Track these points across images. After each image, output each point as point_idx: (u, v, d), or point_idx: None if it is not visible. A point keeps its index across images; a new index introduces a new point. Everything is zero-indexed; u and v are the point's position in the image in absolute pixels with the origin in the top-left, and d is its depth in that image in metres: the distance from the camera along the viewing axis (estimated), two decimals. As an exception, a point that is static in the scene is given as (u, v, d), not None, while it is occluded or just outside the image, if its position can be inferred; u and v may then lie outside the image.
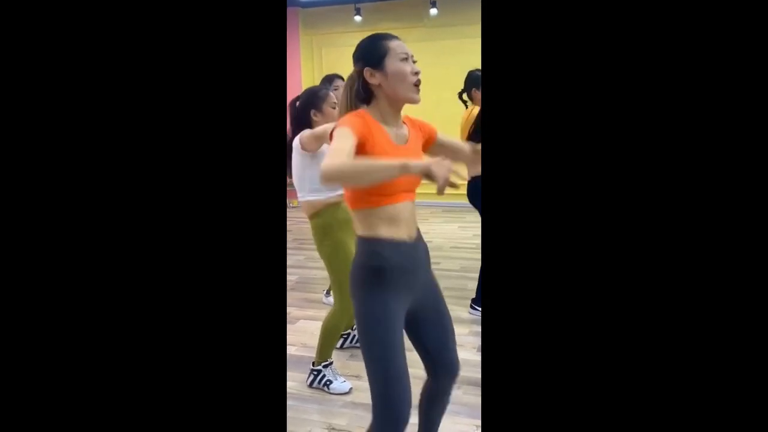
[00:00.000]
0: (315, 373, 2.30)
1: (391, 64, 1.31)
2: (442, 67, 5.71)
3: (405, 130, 1.38)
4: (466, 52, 5.99)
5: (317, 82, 3.07)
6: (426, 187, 1.41)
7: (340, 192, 2.13)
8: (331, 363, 2.29)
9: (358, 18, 6.33)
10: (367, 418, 1.98)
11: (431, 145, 1.46)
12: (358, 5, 6.27)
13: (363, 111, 1.33)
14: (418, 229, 1.41)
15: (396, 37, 1.36)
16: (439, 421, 1.57)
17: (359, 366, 2.38)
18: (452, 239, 4.72)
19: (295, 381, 2.30)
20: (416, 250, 1.38)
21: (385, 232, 1.32)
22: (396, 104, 1.34)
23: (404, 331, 1.38)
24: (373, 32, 1.39)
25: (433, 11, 6.12)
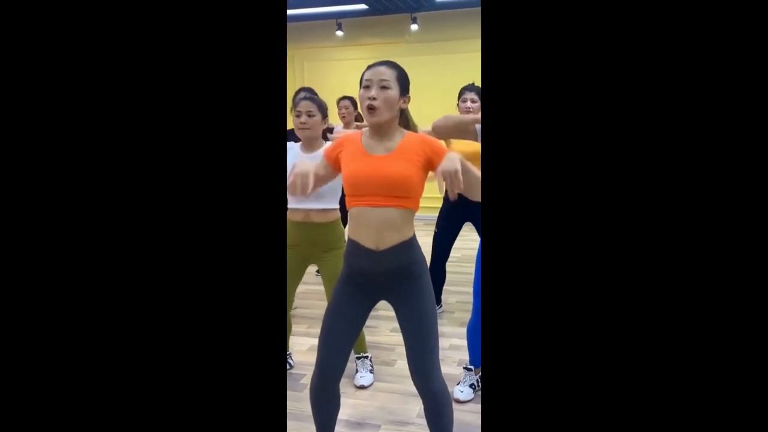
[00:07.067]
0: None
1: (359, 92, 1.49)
2: (423, 82, 5.75)
3: (391, 145, 1.48)
4: (446, 67, 6.05)
5: (299, 96, 3.11)
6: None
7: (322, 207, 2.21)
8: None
9: (339, 33, 6.36)
10: (347, 433, 1.97)
11: (437, 164, 1.40)
12: (340, 20, 6.32)
13: (358, 131, 1.56)
14: (402, 241, 1.46)
15: (372, 66, 1.48)
16: None
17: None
18: (433, 253, 4.70)
19: (288, 400, 2.27)
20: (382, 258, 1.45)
21: (352, 233, 1.49)
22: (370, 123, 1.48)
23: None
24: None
25: (414, 27, 6.18)
